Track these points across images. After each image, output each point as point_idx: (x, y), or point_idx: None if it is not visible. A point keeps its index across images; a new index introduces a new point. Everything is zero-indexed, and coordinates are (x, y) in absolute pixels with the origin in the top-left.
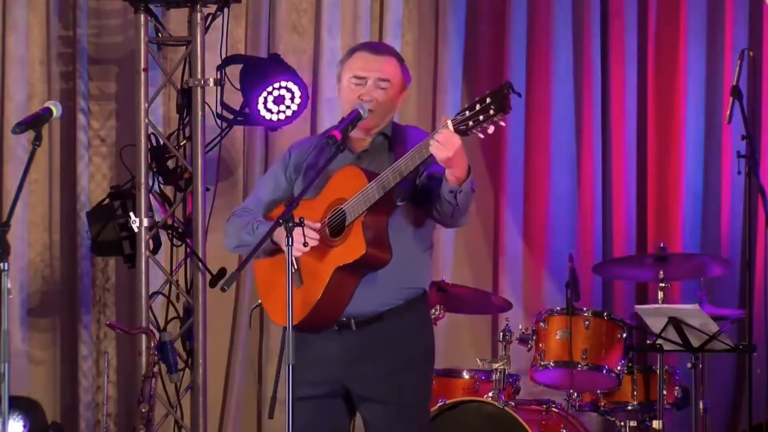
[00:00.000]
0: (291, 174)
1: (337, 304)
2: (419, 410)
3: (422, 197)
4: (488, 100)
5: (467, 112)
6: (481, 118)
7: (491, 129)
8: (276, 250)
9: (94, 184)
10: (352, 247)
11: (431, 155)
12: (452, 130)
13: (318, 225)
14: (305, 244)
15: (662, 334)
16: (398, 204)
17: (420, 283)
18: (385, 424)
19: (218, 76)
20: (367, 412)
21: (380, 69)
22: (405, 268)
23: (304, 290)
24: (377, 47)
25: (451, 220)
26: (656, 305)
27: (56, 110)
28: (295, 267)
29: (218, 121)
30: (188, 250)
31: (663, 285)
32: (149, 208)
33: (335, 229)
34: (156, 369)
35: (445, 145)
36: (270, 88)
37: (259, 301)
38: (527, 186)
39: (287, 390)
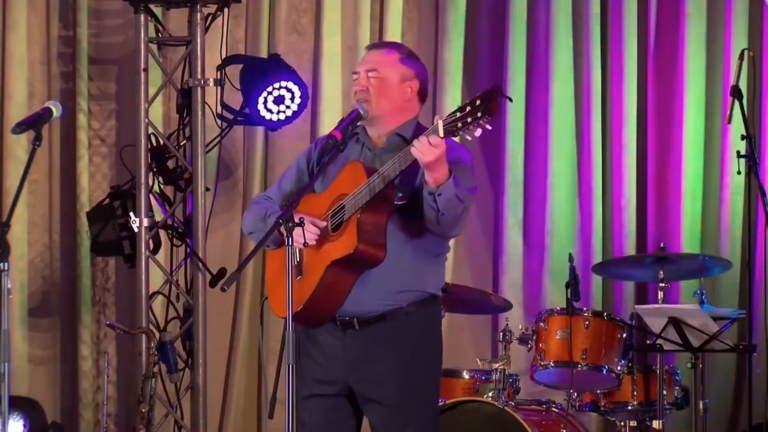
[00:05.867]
0: (314, 166)
1: (332, 299)
2: (425, 414)
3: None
4: (477, 102)
5: (458, 113)
6: (469, 120)
7: (478, 131)
8: (283, 241)
9: (94, 184)
10: (346, 243)
11: (413, 160)
12: (442, 130)
13: (323, 224)
14: (305, 244)
15: (662, 334)
16: (397, 203)
17: (425, 286)
18: (389, 427)
19: (218, 76)
20: (370, 413)
21: (368, 60)
22: (408, 270)
23: (302, 282)
24: (378, 43)
25: (438, 227)
26: (656, 305)
27: (56, 110)
28: (297, 259)
29: (218, 121)
30: (188, 250)
31: (663, 285)
32: (149, 208)
33: (336, 223)
34: (156, 369)
35: (428, 149)
36: (270, 88)
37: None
38: (527, 186)
39: (287, 389)
